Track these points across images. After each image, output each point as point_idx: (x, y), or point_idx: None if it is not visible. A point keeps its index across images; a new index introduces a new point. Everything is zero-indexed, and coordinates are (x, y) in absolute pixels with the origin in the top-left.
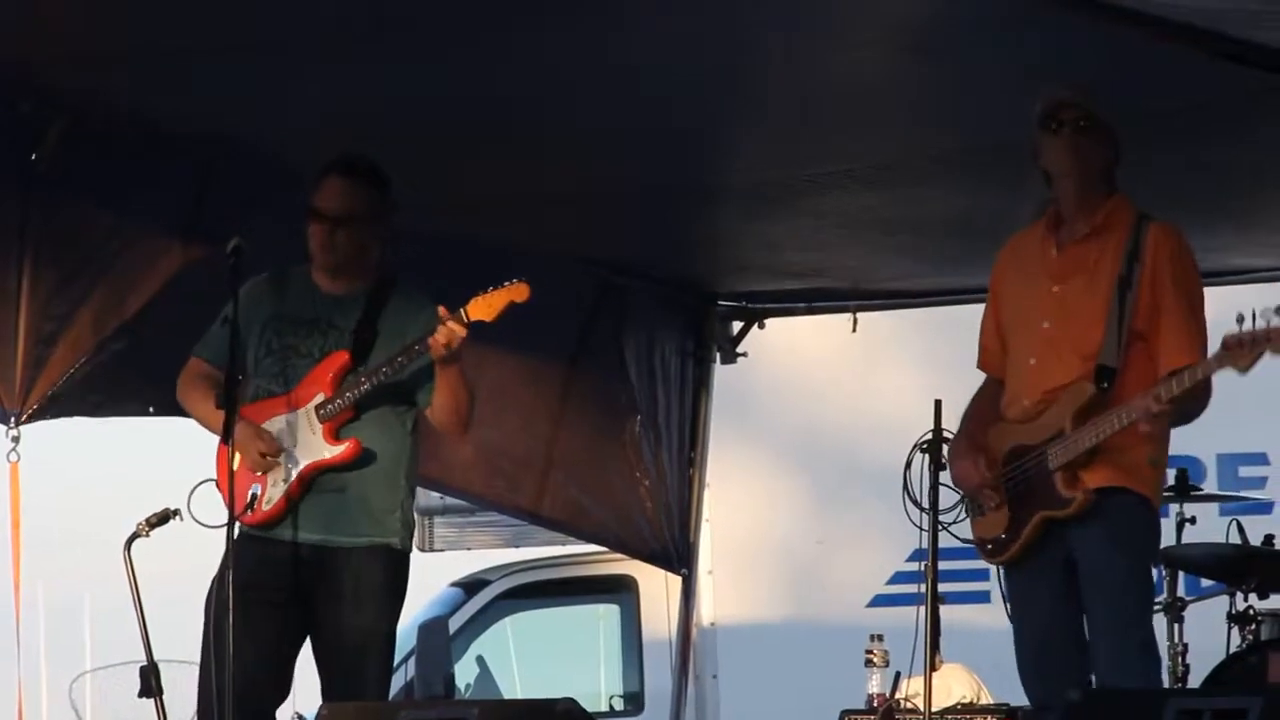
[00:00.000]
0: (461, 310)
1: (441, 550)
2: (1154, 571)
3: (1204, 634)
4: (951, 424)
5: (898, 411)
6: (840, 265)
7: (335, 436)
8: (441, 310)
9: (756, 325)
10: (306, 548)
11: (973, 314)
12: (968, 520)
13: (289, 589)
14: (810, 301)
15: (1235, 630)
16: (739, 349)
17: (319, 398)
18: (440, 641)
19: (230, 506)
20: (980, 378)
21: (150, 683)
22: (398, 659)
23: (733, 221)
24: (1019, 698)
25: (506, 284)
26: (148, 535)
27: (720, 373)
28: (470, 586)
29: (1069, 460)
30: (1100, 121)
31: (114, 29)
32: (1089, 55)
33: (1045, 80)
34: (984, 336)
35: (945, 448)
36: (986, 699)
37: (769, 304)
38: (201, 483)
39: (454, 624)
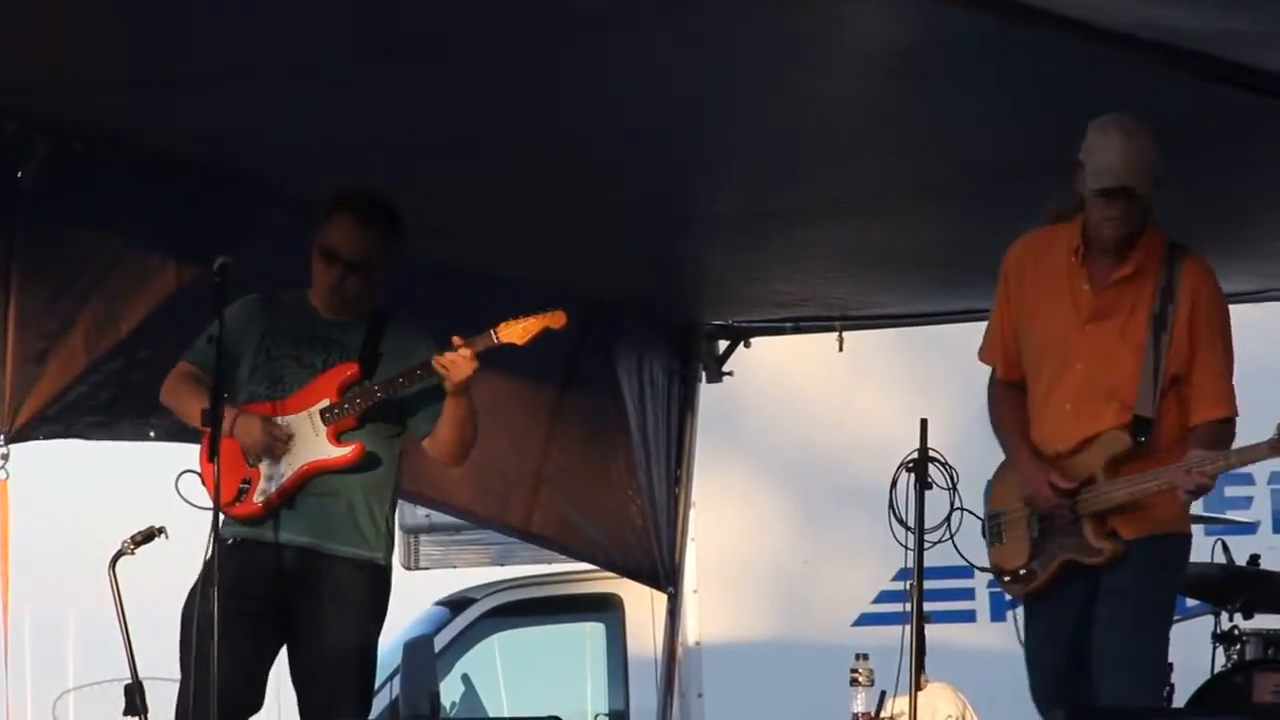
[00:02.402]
0: (491, 332)
1: (427, 568)
2: (1174, 599)
3: (1189, 654)
4: (937, 443)
5: (884, 430)
6: (826, 295)
7: (338, 440)
8: (456, 339)
9: (742, 344)
10: (291, 551)
11: (959, 333)
12: (941, 536)
13: (270, 599)
14: (796, 321)
15: (1220, 650)
16: (724, 368)
17: (324, 402)
18: (425, 660)
19: (215, 509)
20: (975, 390)
21: (135, 701)
22: (383, 678)
23: (719, 252)
24: (1004, 718)
25: (544, 311)
26: (133, 553)
27: (706, 391)
28: (456, 605)
29: (1099, 510)
30: (1150, 185)
31: (100, 53)
32: (1077, 80)
33: (1032, 106)
34: (993, 330)
35: (931, 467)
36: (972, 718)
37: (754, 323)
38: (184, 472)
39: (439, 642)
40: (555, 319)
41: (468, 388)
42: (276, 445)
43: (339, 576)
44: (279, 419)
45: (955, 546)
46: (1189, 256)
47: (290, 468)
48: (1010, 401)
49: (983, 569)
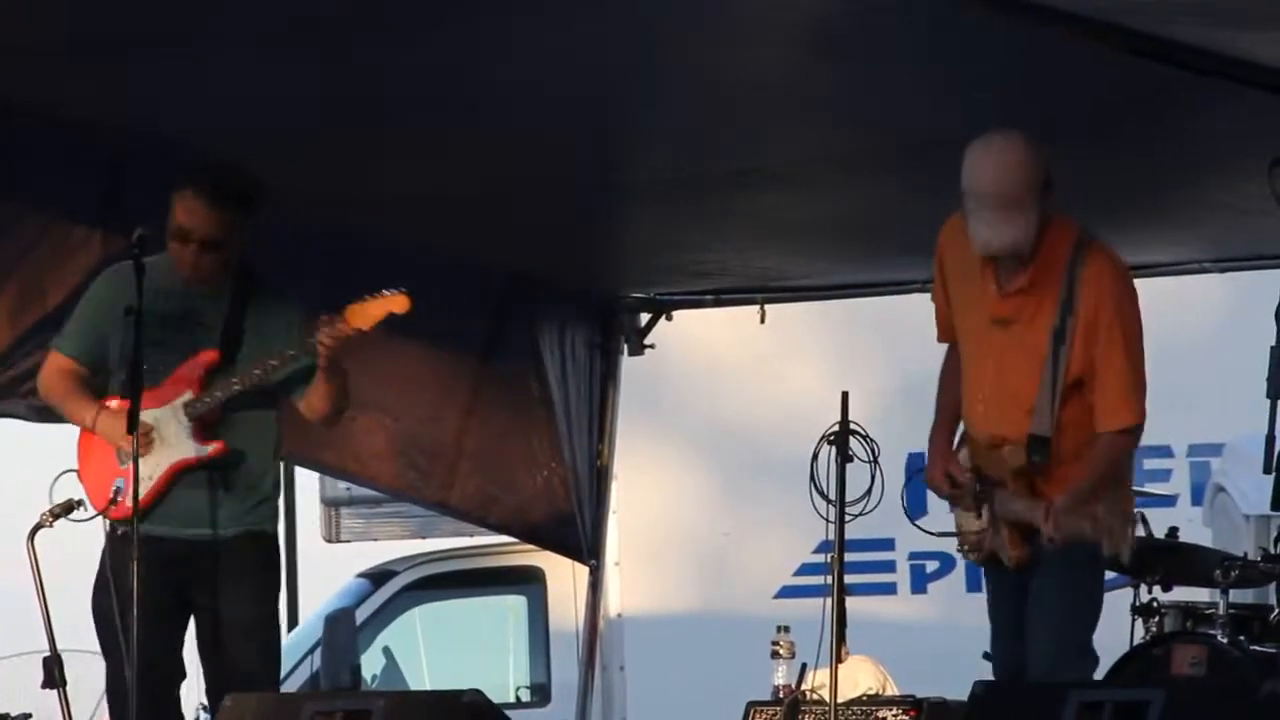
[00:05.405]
0: (342, 316)
1: (348, 541)
2: (1099, 596)
3: (1108, 626)
4: (858, 416)
5: (805, 403)
6: (749, 267)
7: (204, 435)
8: (324, 318)
9: (664, 317)
10: (174, 543)
11: (881, 306)
12: (862, 509)
13: (166, 578)
14: (718, 293)
15: (1139, 622)
16: (646, 340)
17: (186, 395)
18: (347, 633)
19: (135, 498)
20: (897, 363)
21: (54, 674)
22: (304, 650)
23: (639, 223)
24: (924, 689)
25: (386, 293)
26: (52, 525)
27: (628, 365)
28: (377, 578)
29: (1008, 519)
30: (1036, 188)
31: (19, 20)
32: (998, 52)
33: (955, 75)
34: (938, 309)
35: (852, 440)
36: (892, 690)
37: (676, 295)
38: (63, 473)
39: (361, 615)
40: (397, 303)
41: (339, 365)
42: (141, 443)
43: (229, 553)
44: (147, 413)
45: (903, 517)
46: (1093, 255)
47: (158, 468)
48: (951, 373)
49: (944, 534)
